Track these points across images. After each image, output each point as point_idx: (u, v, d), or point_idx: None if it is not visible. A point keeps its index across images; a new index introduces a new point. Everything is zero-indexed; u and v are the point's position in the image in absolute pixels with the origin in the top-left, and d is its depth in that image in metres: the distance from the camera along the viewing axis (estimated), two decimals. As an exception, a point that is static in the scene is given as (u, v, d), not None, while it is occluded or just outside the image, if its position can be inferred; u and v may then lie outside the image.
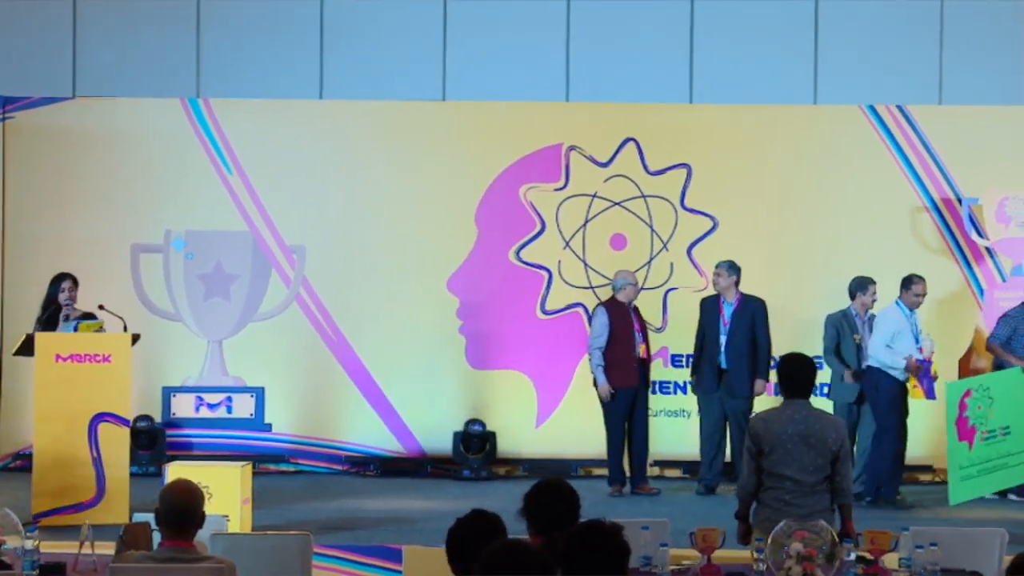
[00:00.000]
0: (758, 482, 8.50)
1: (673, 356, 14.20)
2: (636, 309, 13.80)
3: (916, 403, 14.59)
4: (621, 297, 13.71)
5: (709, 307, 13.81)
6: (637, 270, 14.58)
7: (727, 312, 13.68)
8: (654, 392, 14.10)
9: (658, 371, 14.24)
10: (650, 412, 13.89)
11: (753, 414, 13.29)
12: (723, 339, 13.64)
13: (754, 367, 13.66)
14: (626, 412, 13.64)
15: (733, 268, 13.72)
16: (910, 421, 14.64)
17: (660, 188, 14.99)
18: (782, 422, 8.43)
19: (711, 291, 13.96)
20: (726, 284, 13.70)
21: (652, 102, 15.02)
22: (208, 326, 14.99)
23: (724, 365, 13.64)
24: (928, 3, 14.96)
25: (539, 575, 5.13)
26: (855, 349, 13.50)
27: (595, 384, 13.68)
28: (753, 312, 13.67)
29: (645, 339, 13.72)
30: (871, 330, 13.47)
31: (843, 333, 13.57)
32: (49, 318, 12.58)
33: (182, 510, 6.60)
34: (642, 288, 14.39)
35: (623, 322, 13.63)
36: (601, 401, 13.68)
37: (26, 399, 13.13)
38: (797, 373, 8.61)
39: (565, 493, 6.63)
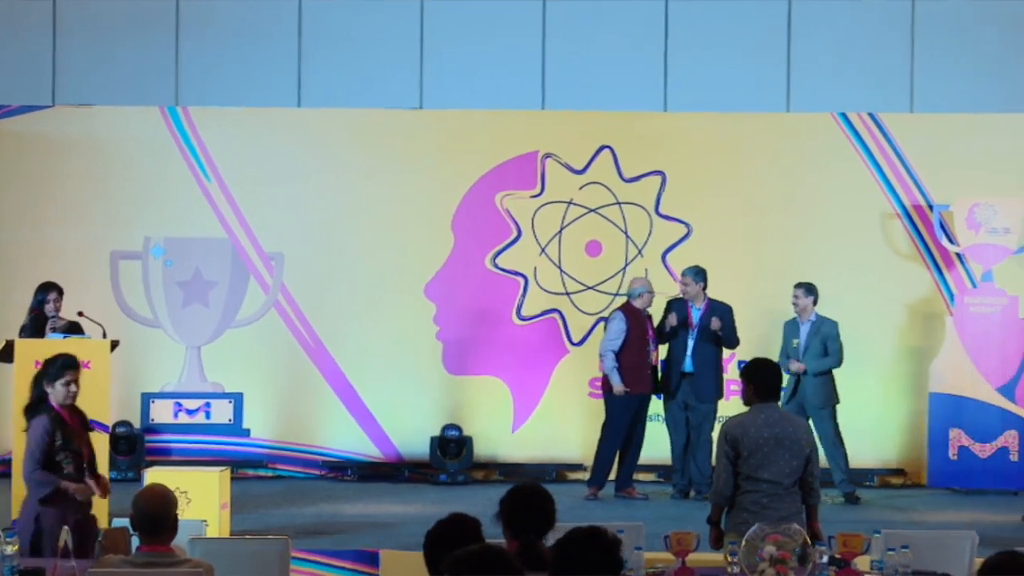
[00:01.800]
0: (735, 486, 8.50)
1: (661, 362, 14.15)
2: (649, 316, 13.78)
3: (885, 410, 14.69)
4: (638, 304, 13.68)
5: (677, 310, 13.79)
6: (612, 276, 14.62)
7: (695, 316, 13.69)
8: (659, 397, 14.05)
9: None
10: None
11: (718, 418, 13.38)
12: (690, 343, 13.65)
13: (719, 373, 13.71)
14: (632, 417, 13.60)
15: (700, 274, 13.74)
16: (880, 427, 14.75)
17: (635, 195, 15.01)
18: (758, 426, 8.42)
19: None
20: (695, 291, 13.72)
21: (627, 110, 15.04)
22: (187, 332, 14.97)
23: (690, 369, 13.65)
24: (899, 14, 15.01)
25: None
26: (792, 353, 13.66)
27: (604, 388, 13.66)
28: (721, 317, 13.68)
29: (657, 346, 13.71)
30: (810, 335, 13.64)
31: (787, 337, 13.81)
32: (34, 328, 12.52)
33: (154, 516, 6.59)
34: (616, 294, 14.42)
35: (639, 328, 13.61)
36: (607, 405, 13.65)
37: (5, 405, 13.07)
38: (767, 377, 8.60)
39: (541, 497, 6.61)
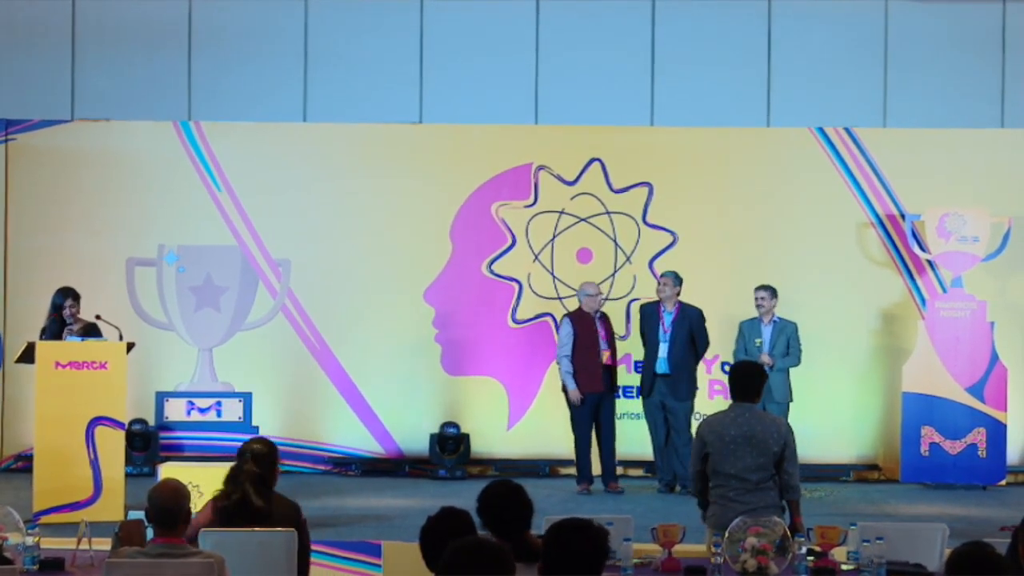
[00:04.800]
0: (705, 480, 8.56)
1: (636, 362, 14.16)
2: (604, 317, 13.76)
3: (861, 409, 14.70)
4: (585, 307, 13.71)
5: (649, 314, 13.81)
6: (602, 282, 14.58)
7: (667, 320, 13.69)
8: (617, 396, 14.05)
9: (622, 376, 14.22)
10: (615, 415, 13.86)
11: (696, 415, 13.38)
12: (664, 346, 13.65)
13: (693, 374, 13.71)
14: (590, 415, 13.60)
15: (678, 279, 13.76)
16: (856, 425, 14.75)
17: (623, 205, 15.01)
18: (725, 424, 8.48)
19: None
20: (671, 294, 13.72)
21: (616, 124, 15.04)
22: (199, 335, 14.96)
23: (666, 371, 13.62)
24: (873, 34, 15.02)
25: (499, 574, 5.11)
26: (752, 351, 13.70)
27: (564, 390, 13.66)
28: (691, 320, 13.68)
29: (610, 346, 13.69)
30: (774, 335, 13.67)
31: (748, 336, 13.84)
32: (54, 332, 12.50)
33: (167, 509, 6.59)
34: (606, 299, 14.40)
35: (587, 330, 13.62)
36: (568, 405, 13.66)
37: (27, 404, 13.09)
38: (743, 380, 8.65)
39: (513, 493, 6.47)
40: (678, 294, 13.74)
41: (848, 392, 14.72)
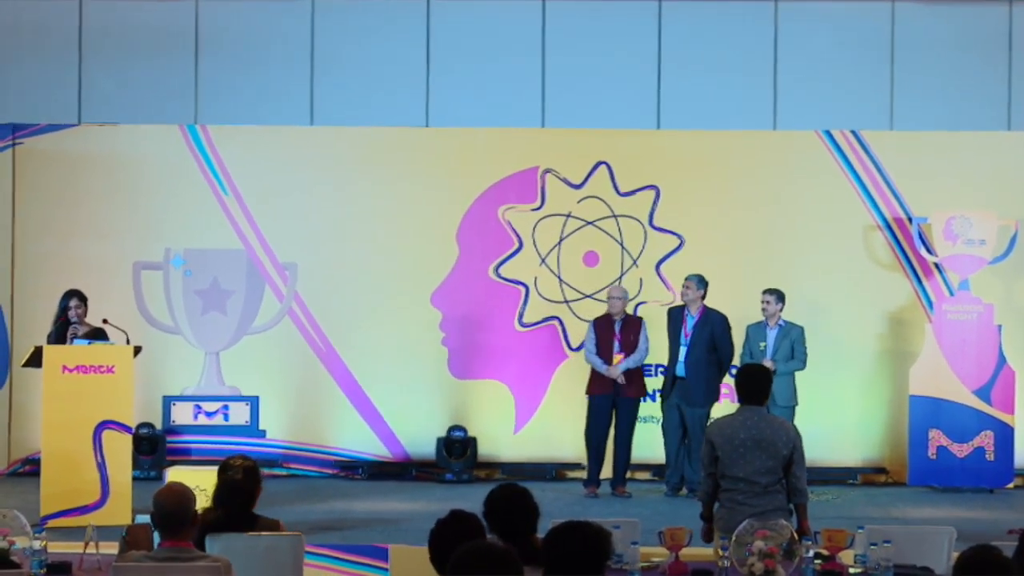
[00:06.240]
0: (715, 484, 8.54)
1: (643, 366, 14.15)
2: (630, 321, 13.74)
3: (869, 409, 14.69)
4: (608, 310, 13.76)
5: (674, 317, 13.82)
6: (608, 285, 14.57)
7: (689, 324, 13.68)
8: (643, 400, 14.00)
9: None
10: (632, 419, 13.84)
11: (710, 420, 13.35)
12: (683, 350, 13.64)
13: (711, 379, 13.66)
14: (599, 418, 13.61)
15: (702, 282, 13.74)
16: (863, 428, 14.74)
17: (630, 208, 15.01)
18: (735, 427, 8.46)
19: (679, 302, 14.02)
20: (693, 297, 13.70)
21: (622, 128, 15.04)
22: (206, 339, 14.97)
23: (683, 374, 13.62)
24: (879, 37, 15.02)
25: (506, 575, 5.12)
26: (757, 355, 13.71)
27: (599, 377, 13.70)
28: (713, 325, 13.65)
29: (623, 350, 13.66)
30: (779, 339, 13.65)
31: (753, 339, 13.86)
32: (59, 335, 12.51)
33: (170, 513, 6.55)
34: (613, 302, 14.40)
35: (605, 334, 13.64)
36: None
37: (35, 408, 13.09)
38: (749, 382, 8.62)
39: (518, 497, 6.46)
40: (702, 297, 13.71)
41: (855, 395, 14.70)
